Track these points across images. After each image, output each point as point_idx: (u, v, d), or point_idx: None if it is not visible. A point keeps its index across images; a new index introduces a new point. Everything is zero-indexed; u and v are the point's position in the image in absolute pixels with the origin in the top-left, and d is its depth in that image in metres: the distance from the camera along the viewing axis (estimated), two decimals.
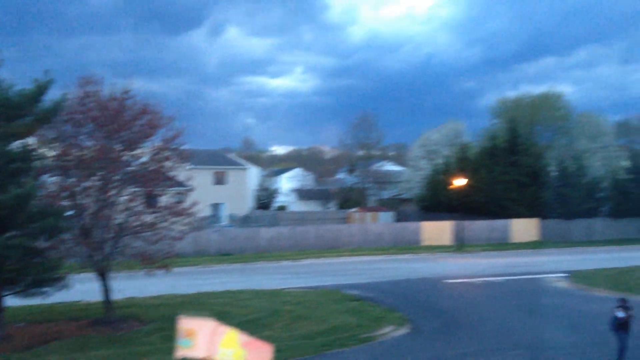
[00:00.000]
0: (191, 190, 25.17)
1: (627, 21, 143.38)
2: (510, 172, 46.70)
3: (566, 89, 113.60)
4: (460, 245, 40.77)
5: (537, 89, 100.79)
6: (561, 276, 27.78)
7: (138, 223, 18.29)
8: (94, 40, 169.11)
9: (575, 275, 27.46)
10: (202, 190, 42.78)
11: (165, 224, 18.61)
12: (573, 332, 17.17)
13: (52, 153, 17.56)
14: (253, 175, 74.76)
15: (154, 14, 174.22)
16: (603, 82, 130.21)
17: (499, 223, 44.72)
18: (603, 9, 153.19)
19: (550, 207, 45.15)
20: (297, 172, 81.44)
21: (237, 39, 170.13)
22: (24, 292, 16.08)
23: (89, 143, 18.08)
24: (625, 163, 50.95)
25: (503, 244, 43.03)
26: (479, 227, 44.08)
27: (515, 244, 43.12)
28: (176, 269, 22.51)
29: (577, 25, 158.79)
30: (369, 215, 56.77)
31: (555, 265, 31.05)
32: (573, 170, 46.69)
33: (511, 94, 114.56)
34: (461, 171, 47.63)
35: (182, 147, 18.92)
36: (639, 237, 45.22)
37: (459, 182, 43.91)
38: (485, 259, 35.56)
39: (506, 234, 44.50)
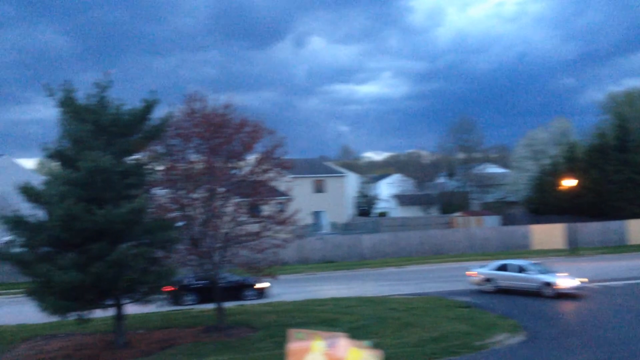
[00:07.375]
0: (292, 199, 25.45)
1: None
2: (623, 171, 44.02)
3: None
4: (574, 248, 38.77)
5: None
6: None
7: (243, 232, 18.73)
8: (185, 58, 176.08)
9: None
10: (302, 199, 43.21)
11: (269, 233, 18.96)
12: None
13: (161, 167, 18.27)
14: (351, 182, 74.81)
15: (239, 30, 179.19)
16: None
17: (614, 224, 42.24)
18: None
19: None
20: (396, 177, 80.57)
21: (322, 48, 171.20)
22: (141, 300, 16.79)
23: (195, 157, 18.73)
24: None
25: (620, 247, 40.57)
26: (592, 229, 41.81)
27: (634, 246, 40.49)
28: (281, 277, 22.78)
29: None
30: (473, 219, 55.15)
31: None
32: None
33: (616, 88, 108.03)
34: (570, 171, 45.41)
35: (283, 157, 19.20)
36: None
37: (569, 182, 41.78)
38: (602, 262, 33.62)
39: (622, 236, 41.91)
